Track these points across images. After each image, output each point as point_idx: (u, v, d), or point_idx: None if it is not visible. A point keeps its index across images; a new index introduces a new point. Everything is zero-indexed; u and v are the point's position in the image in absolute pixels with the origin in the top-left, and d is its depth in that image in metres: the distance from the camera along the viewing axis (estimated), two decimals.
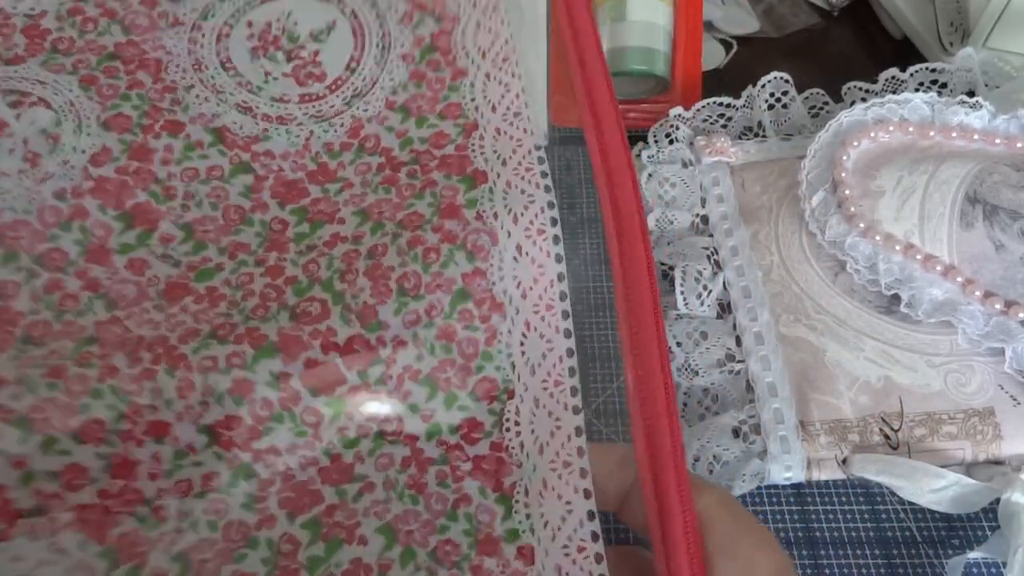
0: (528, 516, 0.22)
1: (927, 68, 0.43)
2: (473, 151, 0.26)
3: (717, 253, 0.38)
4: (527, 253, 0.23)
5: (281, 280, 0.24)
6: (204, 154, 0.26)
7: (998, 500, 0.30)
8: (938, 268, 0.34)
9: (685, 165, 0.42)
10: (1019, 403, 0.33)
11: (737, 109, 0.44)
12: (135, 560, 0.21)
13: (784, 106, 0.43)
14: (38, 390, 0.22)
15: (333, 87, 0.28)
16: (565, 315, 0.23)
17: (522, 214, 0.24)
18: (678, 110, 0.43)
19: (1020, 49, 0.45)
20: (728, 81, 0.48)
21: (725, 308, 0.37)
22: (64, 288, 0.24)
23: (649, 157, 0.41)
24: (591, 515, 0.21)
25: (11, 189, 0.25)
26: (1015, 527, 0.29)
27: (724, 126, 0.44)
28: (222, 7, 0.28)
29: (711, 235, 0.39)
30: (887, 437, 0.32)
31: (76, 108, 0.26)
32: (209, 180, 0.26)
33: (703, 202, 0.40)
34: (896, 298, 0.35)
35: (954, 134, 0.38)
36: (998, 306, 0.33)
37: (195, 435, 0.23)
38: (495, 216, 0.24)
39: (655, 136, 0.44)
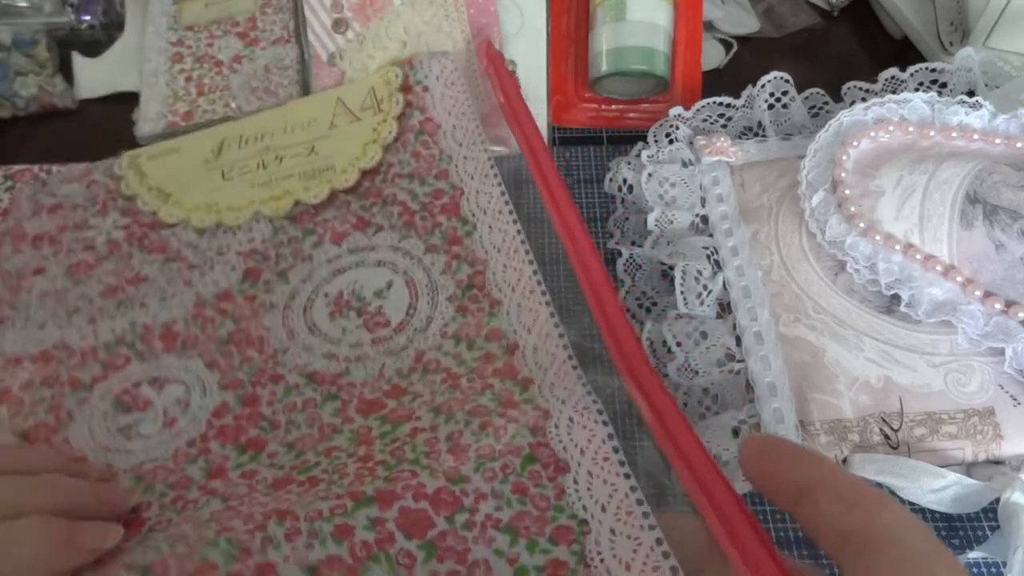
0: None
1: (927, 68, 0.43)
2: (518, 364, 0.32)
3: (717, 253, 0.38)
4: (577, 422, 0.28)
5: (372, 463, 0.29)
6: (301, 392, 0.33)
7: (998, 500, 0.30)
8: (938, 268, 0.34)
9: (685, 165, 0.42)
10: (1019, 403, 0.33)
11: (737, 109, 0.44)
12: None
13: (784, 106, 0.43)
14: (160, 549, 0.25)
15: (398, 329, 0.35)
16: (621, 463, 0.26)
17: (566, 399, 0.29)
18: (678, 110, 0.43)
19: (1020, 49, 0.45)
20: (728, 81, 0.48)
21: (725, 308, 0.37)
22: (187, 498, 0.30)
23: (649, 157, 0.41)
24: None
25: (154, 447, 0.32)
26: (1015, 527, 0.29)
27: (724, 126, 0.44)
28: (304, 287, 0.37)
29: (711, 235, 0.39)
30: (887, 437, 0.32)
31: (202, 380, 0.34)
32: (305, 409, 0.33)
33: (703, 202, 0.40)
34: (896, 298, 0.35)
35: (954, 134, 0.38)
36: (998, 306, 0.33)
37: None
38: (546, 402, 0.29)
39: (655, 136, 0.44)
